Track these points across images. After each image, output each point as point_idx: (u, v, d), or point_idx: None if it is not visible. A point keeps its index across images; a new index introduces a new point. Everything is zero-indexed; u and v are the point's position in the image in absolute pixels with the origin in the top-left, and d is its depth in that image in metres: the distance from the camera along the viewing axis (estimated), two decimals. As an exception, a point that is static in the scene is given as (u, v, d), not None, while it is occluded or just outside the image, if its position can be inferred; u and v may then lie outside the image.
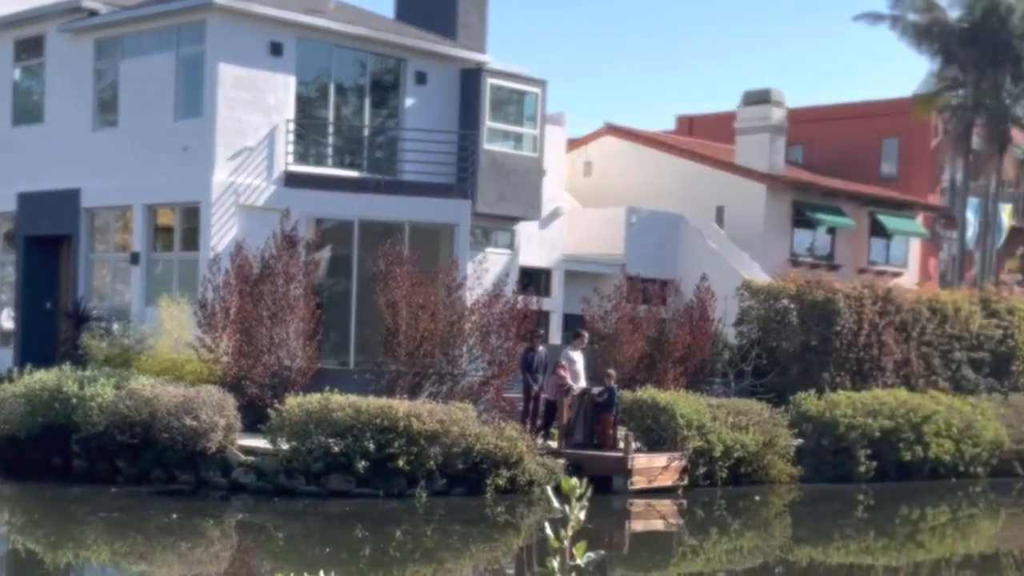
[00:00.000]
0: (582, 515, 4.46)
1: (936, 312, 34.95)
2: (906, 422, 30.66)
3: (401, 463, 22.84)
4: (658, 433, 26.55)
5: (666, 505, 25.73)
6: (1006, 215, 49.31)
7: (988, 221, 46.21)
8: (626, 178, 42.91)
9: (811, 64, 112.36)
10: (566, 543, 4.50)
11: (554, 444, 26.09)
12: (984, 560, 24.19)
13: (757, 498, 27.32)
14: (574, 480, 4.52)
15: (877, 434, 30.08)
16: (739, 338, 32.88)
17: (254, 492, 23.33)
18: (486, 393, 27.14)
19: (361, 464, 22.66)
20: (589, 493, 4.50)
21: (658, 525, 25.36)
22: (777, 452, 28.42)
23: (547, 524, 4.89)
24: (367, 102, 32.29)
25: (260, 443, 23.62)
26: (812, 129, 48.55)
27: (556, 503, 4.62)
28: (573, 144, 42.72)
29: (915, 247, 47.13)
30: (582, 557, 4.48)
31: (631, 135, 45.07)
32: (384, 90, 32.81)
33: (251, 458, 23.56)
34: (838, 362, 32.68)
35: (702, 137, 47.95)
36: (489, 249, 32.48)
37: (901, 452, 30.50)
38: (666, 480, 26.06)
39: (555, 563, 4.53)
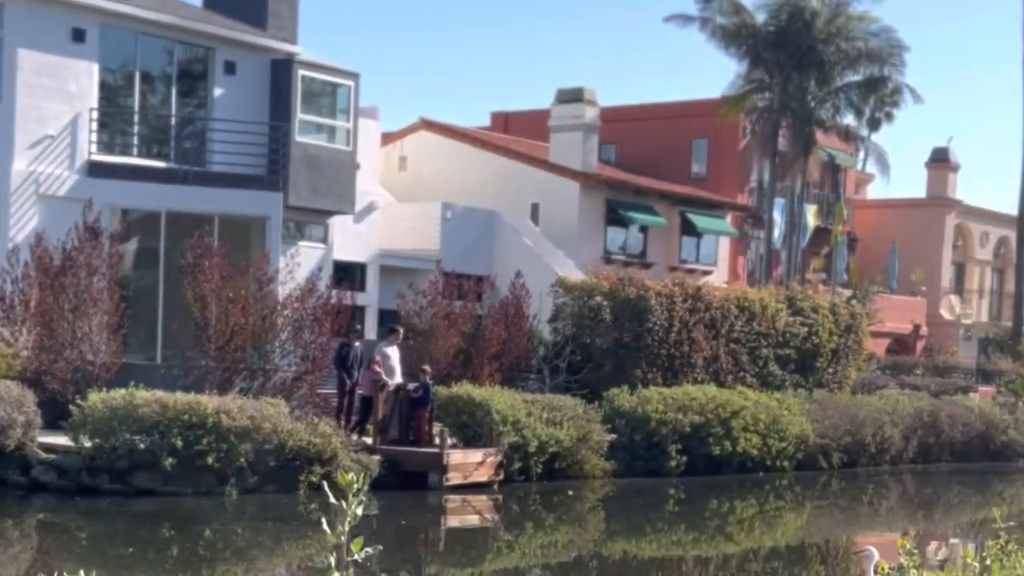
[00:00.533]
0: (359, 510, 4.42)
1: (744, 310, 35.55)
2: (715, 417, 31.09)
3: (210, 460, 22.21)
4: (474, 429, 26.39)
5: (482, 501, 25.58)
6: (811, 216, 50.55)
7: (794, 221, 47.28)
8: (442, 174, 42.69)
9: (625, 64, 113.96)
10: (343, 538, 4.41)
11: (369, 440, 25.72)
12: (790, 552, 24.64)
13: (571, 492, 27.36)
14: (351, 475, 4.48)
15: (687, 429, 30.42)
16: (554, 334, 32.95)
17: (55, 491, 22.41)
18: (299, 389, 26.64)
19: (168, 461, 21.96)
20: (366, 487, 4.45)
21: (474, 521, 25.19)
22: (591, 447, 28.55)
23: (323, 519, 4.72)
24: (174, 91, 31.38)
25: (62, 440, 22.71)
26: (625, 128, 49.01)
27: (332, 498, 4.50)
28: (388, 139, 42.32)
29: (724, 246, 48.00)
30: (359, 552, 4.41)
31: (446, 131, 44.86)
32: (192, 79, 31.95)
33: (52, 456, 22.63)
34: (650, 358, 32.98)
35: (517, 134, 48.03)
36: (302, 243, 31.89)
37: (710, 447, 30.92)
38: (482, 476, 25.91)
39: (332, 559, 4.45)
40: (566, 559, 21.70)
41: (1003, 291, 61.56)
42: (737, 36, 46.36)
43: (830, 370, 37.95)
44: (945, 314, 57.05)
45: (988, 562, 4.72)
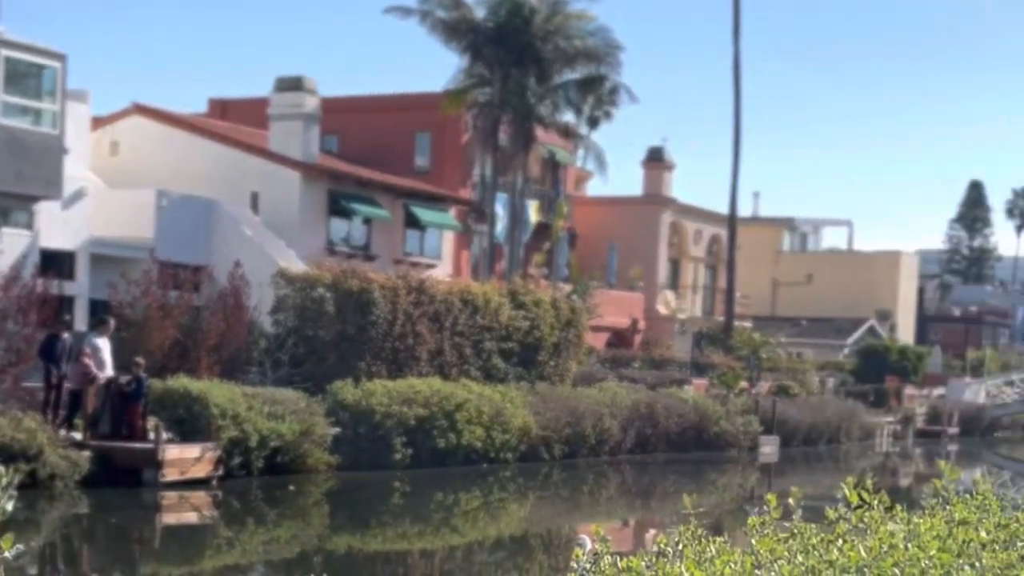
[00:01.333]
0: (9, 505, 4.34)
1: (468, 303, 35.41)
2: (440, 410, 30.88)
3: (-100, 458, 20.47)
4: (191, 423, 25.48)
5: (200, 497, 24.62)
6: (533, 211, 50.92)
7: (516, 216, 47.45)
8: (157, 160, 40.95)
9: (349, 54, 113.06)
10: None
11: (78, 436, 24.27)
12: (514, 542, 24.63)
13: (292, 487, 26.61)
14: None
15: (412, 422, 30.09)
16: (276, 326, 32.00)
17: None
18: (3, 382, 25.05)
19: None
20: (16, 481, 4.36)
21: (191, 518, 24.21)
22: (314, 441, 27.88)
23: None
24: None
25: None
26: (347, 119, 48.27)
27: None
28: (99, 123, 40.39)
29: (448, 239, 47.81)
30: (10, 549, 4.27)
31: (160, 116, 43.15)
32: None
33: None
34: (374, 351, 32.43)
35: (236, 122, 46.62)
36: (6, 229, 30.04)
37: (436, 439, 30.66)
38: (200, 471, 24.92)
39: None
40: (289, 555, 21.02)
41: (716, 287, 63.59)
42: (457, 30, 46.20)
43: (552, 363, 38.22)
44: (661, 309, 58.46)
45: (680, 547, 4.62)
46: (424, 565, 21.31)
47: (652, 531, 25.07)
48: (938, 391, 61.48)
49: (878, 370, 59.65)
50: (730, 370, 49.09)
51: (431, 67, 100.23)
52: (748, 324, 61.45)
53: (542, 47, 46.07)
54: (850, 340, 69.31)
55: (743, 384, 47.53)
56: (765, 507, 5.60)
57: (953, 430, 56.38)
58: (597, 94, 47.93)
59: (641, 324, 56.02)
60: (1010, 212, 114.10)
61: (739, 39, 56.30)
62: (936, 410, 57.89)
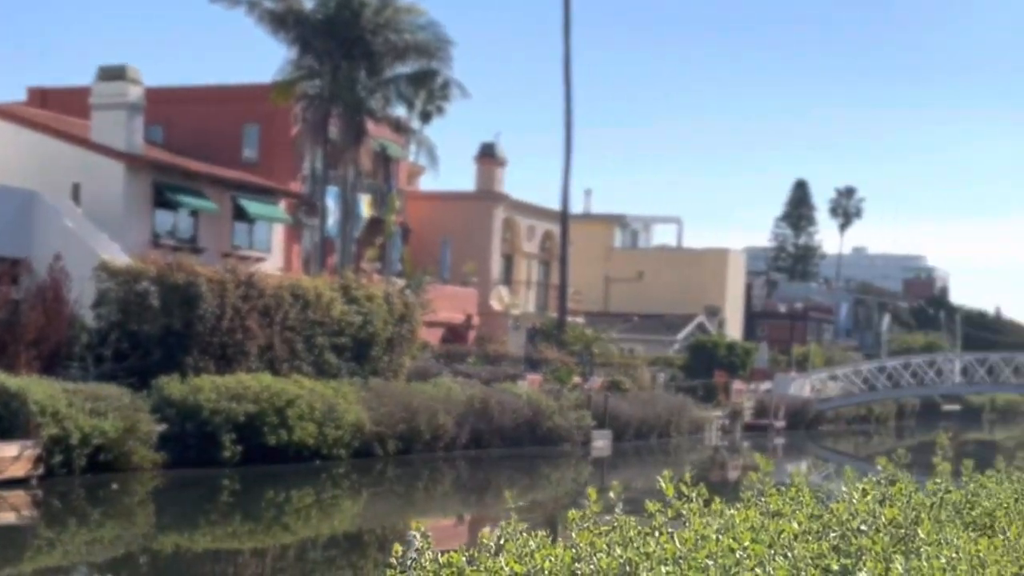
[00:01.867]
0: None
1: (298, 298, 34.97)
2: (270, 406, 30.43)
3: None
4: (9, 421, 24.84)
5: (19, 497, 23.93)
6: (365, 205, 50.54)
7: (348, 210, 47.04)
8: (-28, 150, 39.58)
9: (175, 43, 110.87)
10: None
11: None
12: (348, 539, 24.39)
13: (115, 486, 25.96)
14: None
15: (242, 418, 29.60)
16: (98, 321, 31.16)
17: None
18: None
19: None
20: None
21: (10, 518, 23.49)
22: (139, 438, 27.26)
23: None
24: None
25: None
26: (173, 110, 47.28)
27: None
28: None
29: (278, 233, 47.18)
30: None
31: (-23, 105, 41.75)
32: None
33: None
34: (202, 346, 31.78)
35: (57, 111, 45.27)
36: None
37: (266, 436, 30.18)
38: (19, 471, 24.24)
39: None
40: (114, 555, 20.44)
41: (549, 283, 63.99)
42: (284, 22, 45.61)
43: (385, 358, 37.98)
44: (495, 305, 58.61)
45: (503, 542, 4.63)
46: (256, 564, 20.94)
47: (488, 527, 25.02)
48: (765, 386, 62.78)
49: (707, 365, 60.68)
50: (563, 366, 49.39)
51: (261, 58, 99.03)
52: (581, 320, 61.97)
53: (372, 40, 45.76)
54: (680, 336, 70.43)
55: (576, 379, 47.85)
56: (586, 501, 5.55)
57: (780, 424, 57.63)
58: (429, 89, 47.87)
59: (475, 320, 56.07)
60: (834, 211, 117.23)
61: (569, 36, 56.74)
62: (763, 404, 59.10)
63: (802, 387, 64.10)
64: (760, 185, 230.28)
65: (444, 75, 47.53)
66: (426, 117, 49.35)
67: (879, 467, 6.13)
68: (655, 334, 69.50)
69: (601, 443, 43.38)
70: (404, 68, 47.12)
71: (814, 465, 44.90)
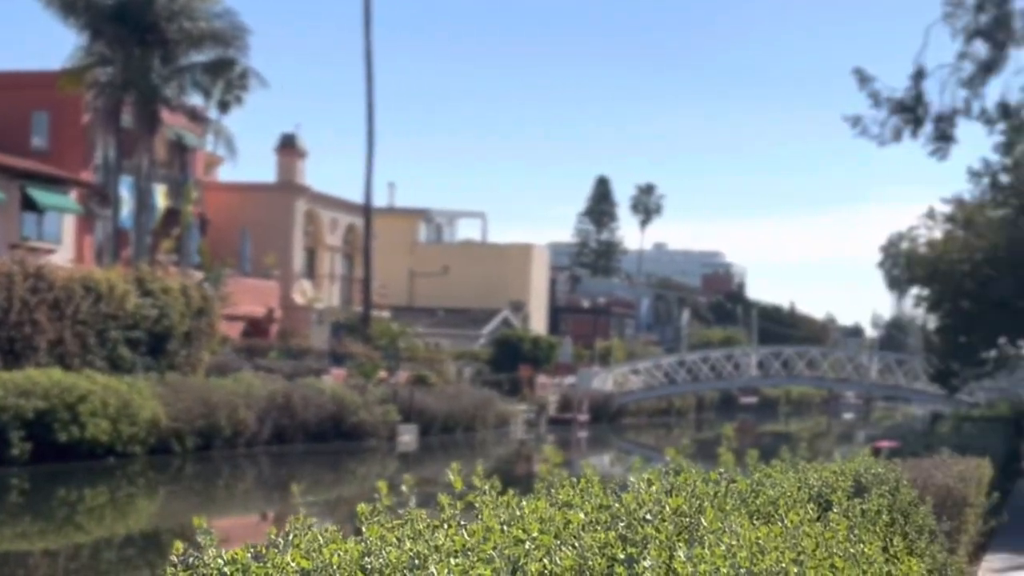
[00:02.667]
0: None
1: (90, 290, 34.08)
2: (61, 402, 29.66)
3: None
4: None
5: None
6: (161, 196, 49.43)
7: (143, 201, 45.92)
8: None
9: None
10: None
11: None
12: (144, 538, 23.90)
13: None
14: None
15: (31, 415, 28.80)
16: None
17: None
18: None
19: None
20: None
21: None
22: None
23: None
24: None
25: None
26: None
27: None
28: None
29: (69, 224, 45.83)
30: None
31: None
32: None
33: None
34: (-13, 341, 30.69)
35: None
36: None
37: (57, 433, 29.39)
38: None
39: None
40: None
41: (353, 277, 63.59)
42: (74, 7, 44.33)
43: (183, 353, 37.31)
44: (298, 298, 57.95)
45: (292, 538, 4.55)
46: (47, 566, 20.31)
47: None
48: (569, 380, 63.61)
49: (512, 359, 61.15)
50: (369, 360, 49.19)
51: (53, 44, 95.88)
52: (386, 314, 61.77)
53: (167, 27, 44.81)
54: (485, 330, 70.80)
55: (382, 374, 47.71)
56: (376, 495, 5.45)
57: (584, 417, 58.41)
58: (227, 78, 47.02)
59: (277, 313, 55.36)
60: (635, 208, 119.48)
61: (371, 28, 56.44)
62: (567, 398, 59.83)
63: (605, 381, 65.14)
64: (564, 181, 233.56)
65: (242, 64, 46.80)
66: (224, 107, 48.35)
67: (668, 458, 6.19)
68: (460, 328, 69.72)
69: (407, 438, 43.35)
70: (200, 56, 46.29)
71: (617, 458, 45.68)
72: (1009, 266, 28.10)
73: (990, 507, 14.00)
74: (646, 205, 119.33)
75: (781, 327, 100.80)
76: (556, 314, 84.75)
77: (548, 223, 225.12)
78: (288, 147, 58.81)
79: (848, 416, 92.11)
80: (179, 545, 5.33)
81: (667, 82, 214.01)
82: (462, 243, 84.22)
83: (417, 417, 44.40)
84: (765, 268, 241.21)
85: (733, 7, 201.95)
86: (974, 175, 29.76)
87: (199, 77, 46.34)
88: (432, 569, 4.21)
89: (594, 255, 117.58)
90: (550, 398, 59.24)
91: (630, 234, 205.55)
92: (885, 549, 6.62)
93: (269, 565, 4.51)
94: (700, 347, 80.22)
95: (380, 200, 68.62)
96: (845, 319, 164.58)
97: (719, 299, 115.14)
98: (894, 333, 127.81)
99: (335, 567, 4.45)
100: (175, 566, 5.11)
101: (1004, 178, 29.61)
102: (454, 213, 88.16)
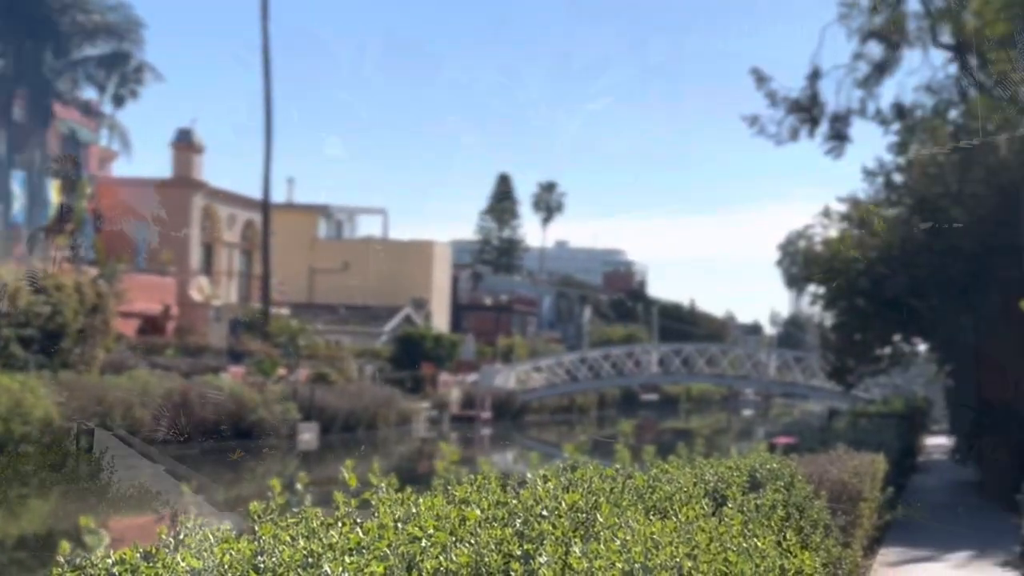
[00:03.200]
0: None
1: (-18, 288, 33.40)
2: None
3: None
4: None
5: None
6: (55, 191, 48.60)
7: (35, 196, 45.14)
8: None
9: None
10: None
11: None
12: (37, 540, 23.25)
13: None
14: None
15: None
16: None
17: None
18: None
19: None
20: None
21: None
22: None
23: None
24: None
25: None
26: None
27: None
28: None
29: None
30: None
31: None
32: None
33: None
34: None
35: None
36: None
37: (-55, 433, 28.65)
38: None
39: None
40: None
41: (251, 273, 62.95)
42: (-44, 1, 43.50)
43: (77, 350, 36.70)
44: (195, 295, 57.21)
45: (183, 537, 4.52)
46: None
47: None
48: (471, 377, 63.59)
49: (414, 357, 60.99)
50: (268, 358, 48.74)
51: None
52: (286, 311, 61.25)
53: (59, 20, 44.08)
54: (387, 328, 70.50)
55: (281, 371, 47.33)
56: (270, 493, 5.38)
57: (486, 415, 58.43)
58: (121, 72, 46.44)
59: (174, 310, 54.62)
60: (536, 205, 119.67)
61: (267, 21, 55.97)
62: (470, 396, 59.83)
63: (507, 379, 65.20)
64: (466, 178, 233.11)
65: (137, 58, 46.26)
66: (119, 101, 47.70)
67: (565, 454, 6.18)
68: (362, 326, 69.35)
69: (308, 436, 43.03)
70: (94, 50, 45.62)
71: (520, 455, 45.69)
72: (903, 265, 28.51)
73: (885, 501, 14.19)
74: (548, 203, 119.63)
75: (681, 325, 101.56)
76: (458, 312, 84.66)
77: (450, 220, 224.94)
78: (184, 142, 58.01)
79: (748, 413, 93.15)
80: (66, 545, 5.21)
81: (567, 80, 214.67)
82: (363, 240, 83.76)
83: (318, 415, 44.10)
84: (666, 266, 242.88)
85: (633, 7, 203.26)
86: (869, 174, 30.17)
87: (93, 71, 45.73)
88: (326, 567, 4.16)
89: (496, 252, 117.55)
90: (452, 396, 59.17)
91: (532, 232, 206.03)
92: (779, 543, 6.68)
93: (159, 565, 4.43)
94: (602, 345, 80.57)
95: (279, 196, 68.14)
96: (744, 317, 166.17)
97: (620, 297, 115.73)
98: (792, 331, 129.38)
99: (227, 566, 4.38)
100: (62, 567, 5.00)
101: (898, 178, 30.05)
102: (354, 209, 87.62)
